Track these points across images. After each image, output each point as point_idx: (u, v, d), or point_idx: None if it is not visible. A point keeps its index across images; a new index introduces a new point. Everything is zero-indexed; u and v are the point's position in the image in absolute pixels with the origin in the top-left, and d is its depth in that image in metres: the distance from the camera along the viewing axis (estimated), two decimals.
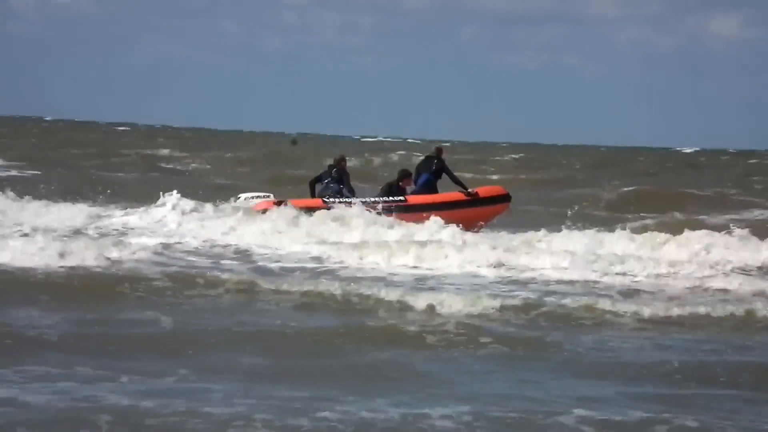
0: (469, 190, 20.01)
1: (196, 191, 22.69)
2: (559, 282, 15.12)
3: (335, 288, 13.11)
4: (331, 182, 19.98)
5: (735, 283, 14.93)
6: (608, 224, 20.23)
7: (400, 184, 20.09)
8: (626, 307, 12.55)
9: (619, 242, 18.13)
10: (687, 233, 18.89)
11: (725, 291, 14.68)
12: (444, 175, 20.26)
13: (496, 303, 12.51)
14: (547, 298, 13.21)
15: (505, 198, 20.42)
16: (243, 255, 16.79)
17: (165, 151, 53.61)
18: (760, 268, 16.60)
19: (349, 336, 10.84)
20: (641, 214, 26.62)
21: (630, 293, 14.36)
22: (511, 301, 12.64)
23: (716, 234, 18.55)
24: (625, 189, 34.36)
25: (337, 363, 9.84)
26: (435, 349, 10.57)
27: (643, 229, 20.14)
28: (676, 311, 12.40)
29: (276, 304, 12.56)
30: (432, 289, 14.11)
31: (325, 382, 9.14)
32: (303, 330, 11.10)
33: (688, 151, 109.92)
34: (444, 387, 9.09)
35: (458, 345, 10.66)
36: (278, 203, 19.44)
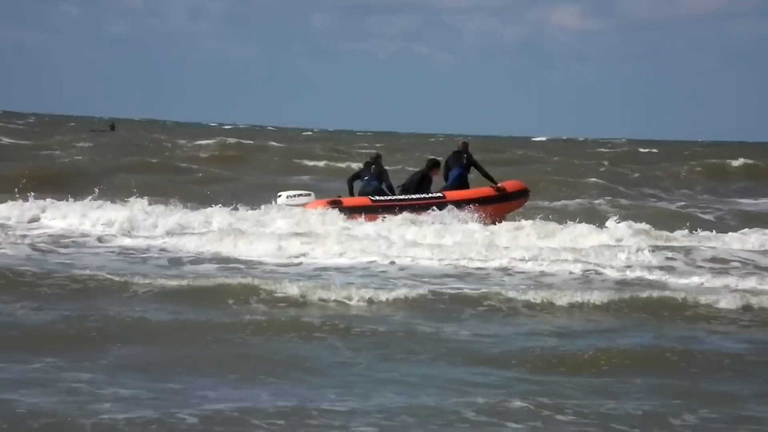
0: (499, 185, 20.12)
1: (55, 180, 22.08)
2: (436, 270, 15.04)
3: (209, 279, 12.84)
4: (371, 179, 19.90)
5: (607, 270, 15.12)
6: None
7: (430, 173, 20.12)
8: (509, 294, 12.55)
9: (495, 231, 18.12)
10: (549, 223, 19.05)
11: (598, 278, 14.82)
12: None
13: (378, 292, 12.37)
14: (428, 287, 13.11)
15: (525, 192, 20.78)
16: (106, 245, 16.35)
17: (5, 140, 51.67)
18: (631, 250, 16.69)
19: (229, 326, 10.58)
20: None
21: (509, 281, 14.37)
22: (391, 290, 12.52)
23: (586, 224, 18.73)
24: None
25: (215, 354, 9.54)
26: (318, 338, 10.37)
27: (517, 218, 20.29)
28: (548, 298, 12.39)
29: (146, 295, 12.19)
30: (314, 277, 13.98)
31: (204, 373, 8.89)
32: (178, 321, 10.81)
33: (542, 139, 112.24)
34: (327, 377, 8.95)
35: (339, 334, 10.49)
36: (332, 203, 19.20)
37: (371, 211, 18.87)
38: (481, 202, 19.50)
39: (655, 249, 16.69)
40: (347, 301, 12.09)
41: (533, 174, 35.74)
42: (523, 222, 18.94)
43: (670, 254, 16.47)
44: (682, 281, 14.48)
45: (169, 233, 17.49)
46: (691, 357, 9.94)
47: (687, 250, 16.83)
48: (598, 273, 15.05)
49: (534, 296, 12.49)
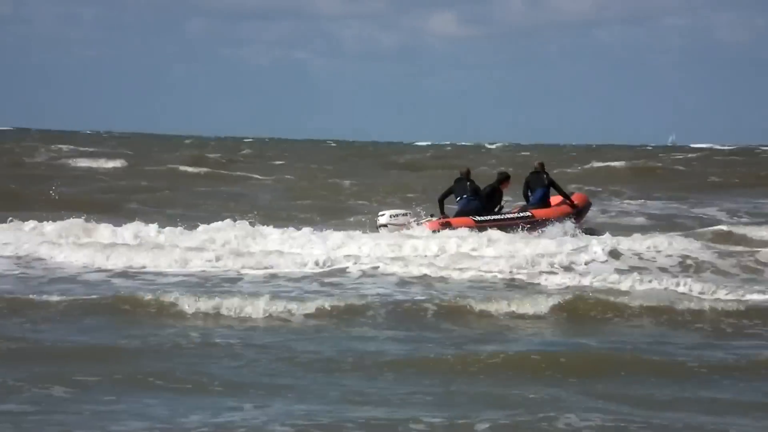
0: (573, 201, 20.36)
1: None
2: (347, 279, 14.83)
3: (107, 292, 12.33)
4: (470, 199, 19.25)
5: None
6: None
7: (500, 187, 19.82)
8: (419, 299, 12.39)
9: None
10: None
11: (512, 283, 14.66)
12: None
13: (291, 303, 12.01)
14: (339, 297, 12.79)
15: (590, 205, 21.57)
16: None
17: None
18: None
19: (126, 341, 10.19)
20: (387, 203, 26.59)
21: (420, 286, 14.18)
22: (306, 301, 12.17)
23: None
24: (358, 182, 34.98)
25: (109, 370, 9.06)
26: (219, 349, 10.01)
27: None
28: (459, 303, 12.17)
29: (39, 312, 11.65)
30: (219, 288, 13.71)
31: (101, 390, 8.52)
32: (69, 338, 10.36)
33: (425, 144, 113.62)
34: (229, 388, 8.62)
35: (240, 344, 10.19)
36: (444, 224, 18.79)
37: (476, 230, 18.67)
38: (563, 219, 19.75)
39: (564, 252, 16.54)
40: (253, 313, 11.71)
41: (427, 179, 35.63)
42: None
43: (581, 257, 16.33)
44: (586, 281, 14.45)
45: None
46: (605, 359, 9.76)
47: (594, 252, 16.63)
48: (509, 278, 14.92)
49: (444, 302, 12.22)
